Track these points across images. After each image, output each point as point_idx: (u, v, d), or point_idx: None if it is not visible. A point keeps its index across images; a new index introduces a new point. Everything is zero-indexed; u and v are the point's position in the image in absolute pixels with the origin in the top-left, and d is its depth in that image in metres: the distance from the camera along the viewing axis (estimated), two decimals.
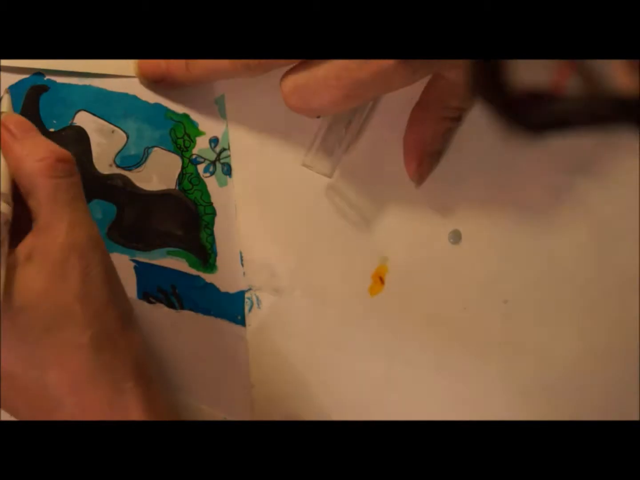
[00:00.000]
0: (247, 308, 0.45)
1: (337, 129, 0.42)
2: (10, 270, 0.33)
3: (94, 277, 0.34)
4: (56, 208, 0.34)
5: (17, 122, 0.36)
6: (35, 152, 0.35)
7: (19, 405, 0.34)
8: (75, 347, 0.34)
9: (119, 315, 0.36)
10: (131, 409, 0.35)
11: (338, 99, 0.37)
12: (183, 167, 0.43)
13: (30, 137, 0.36)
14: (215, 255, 0.44)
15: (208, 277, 0.44)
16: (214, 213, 0.44)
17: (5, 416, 0.36)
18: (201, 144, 0.44)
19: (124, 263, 0.42)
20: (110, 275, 0.36)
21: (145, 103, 0.43)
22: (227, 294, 0.44)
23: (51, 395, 0.34)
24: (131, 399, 0.35)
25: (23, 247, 0.34)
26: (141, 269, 0.43)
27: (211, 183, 0.44)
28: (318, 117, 0.41)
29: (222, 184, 0.44)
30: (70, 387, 0.34)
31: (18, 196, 0.35)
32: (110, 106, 0.42)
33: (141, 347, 0.37)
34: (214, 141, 0.44)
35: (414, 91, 0.42)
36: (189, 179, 0.43)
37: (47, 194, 0.34)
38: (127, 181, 0.43)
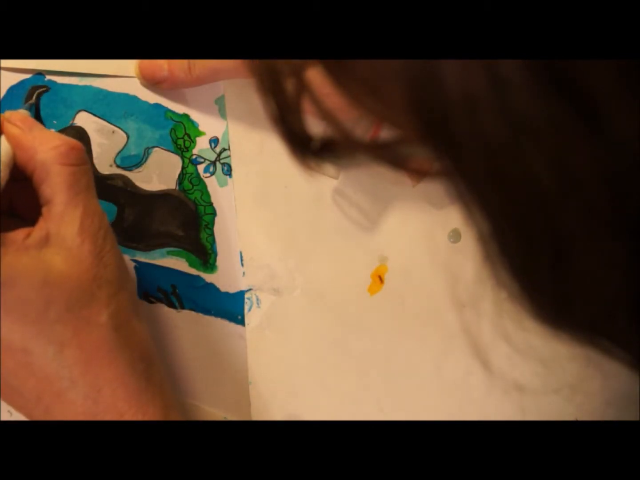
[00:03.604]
0: (247, 308, 0.45)
1: None
2: (29, 250, 0.34)
3: (106, 261, 0.35)
4: (72, 195, 0.35)
5: (22, 118, 0.37)
6: (47, 141, 0.36)
7: (27, 386, 0.34)
8: (94, 326, 0.34)
9: (130, 299, 0.37)
10: (143, 390, 0.35)
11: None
12: (183, 167, 0.43)
13: (38, 129, 0.36)
14: (215, 255, 0.44)
15: (208, 277, 0.44)
16: (214, 213, 0.44)
17: (6, 416, 0.36)
18: (201, 144, 0.44)
19: None
20: (120, 261, 0.37)
21: (146, 103, 0.43)
22: (227, 293, 0.44)
23: (65, 374, 0.34)
24: (142, 380, 0.35)
25: (38, 230, 0.35)
26: (141, 269, 0.43)
27: (211, 183, 0.44)
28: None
29: (222, 184, 0.44)
30: (86, 367, 0.34)
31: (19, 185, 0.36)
32: (110, 106, 0.42)
33: (148, 334, 0.38)
34: (214, 141, 0.44)
35: None
36: (189, 179, 0.43)
37: (63, 181, 0.35)
38: (127, 181, 0.43)
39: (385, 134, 0.27)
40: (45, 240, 0.34)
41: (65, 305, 0.34)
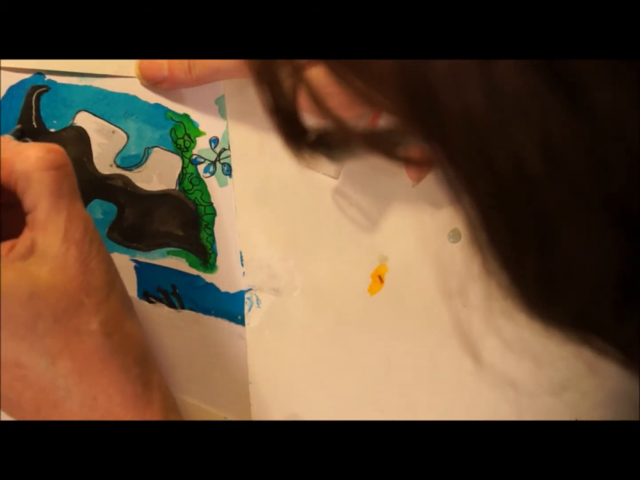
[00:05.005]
0: (247, 308, 0.45)
1: None
2: (14, 263, 0.34)
3: (93, 267, 0.35)
4: (54, 200, 0.35)
5: None
6: (24, 151, 0.35)
7: (24, 398, 0.34)
8: (85, 334, 0.34)
9: (122, 304, 0.36)
10: (140, 395, 0.35)
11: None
12: (183, 167, 0.43)
13: (14, 144, 0.36)
14: (215, 255, 0.44)
15: (208, 277, 0.44)
16: (214, 213, 0.44)
17: (5, 416, 0.36)
18: (201, 144, 0.44)
19: (124, 263, 0.43)
20: (108, 265, 0.36)
21: (146, 103, 0.43)
22: (227, 293, 0.44)
23: (60, 385, 0.34)
24: (139, 384, 0.35)
25: (23, 241, 0.34)
26: (141, 269, 0.43)
27: (211, 183, 0.44)
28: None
29: (222, 184, 0.44)
30: (80, 376, 0.34)
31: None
32: (110, 106, 0.42)
33: (143, 336, 0.37)
34: (214, 141, 0.44)
35: None
36: (189, 179, 0.43)
37: (45, 187, 0.35)
38: (127, 181, 0.43)
39: (382, 123, 0.27)
40: (31, 251, 0.34)
41: (53, 317, 0.33)
